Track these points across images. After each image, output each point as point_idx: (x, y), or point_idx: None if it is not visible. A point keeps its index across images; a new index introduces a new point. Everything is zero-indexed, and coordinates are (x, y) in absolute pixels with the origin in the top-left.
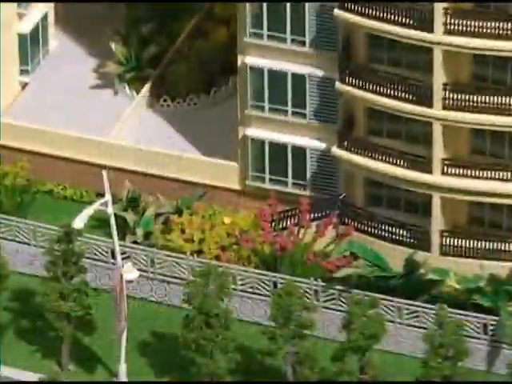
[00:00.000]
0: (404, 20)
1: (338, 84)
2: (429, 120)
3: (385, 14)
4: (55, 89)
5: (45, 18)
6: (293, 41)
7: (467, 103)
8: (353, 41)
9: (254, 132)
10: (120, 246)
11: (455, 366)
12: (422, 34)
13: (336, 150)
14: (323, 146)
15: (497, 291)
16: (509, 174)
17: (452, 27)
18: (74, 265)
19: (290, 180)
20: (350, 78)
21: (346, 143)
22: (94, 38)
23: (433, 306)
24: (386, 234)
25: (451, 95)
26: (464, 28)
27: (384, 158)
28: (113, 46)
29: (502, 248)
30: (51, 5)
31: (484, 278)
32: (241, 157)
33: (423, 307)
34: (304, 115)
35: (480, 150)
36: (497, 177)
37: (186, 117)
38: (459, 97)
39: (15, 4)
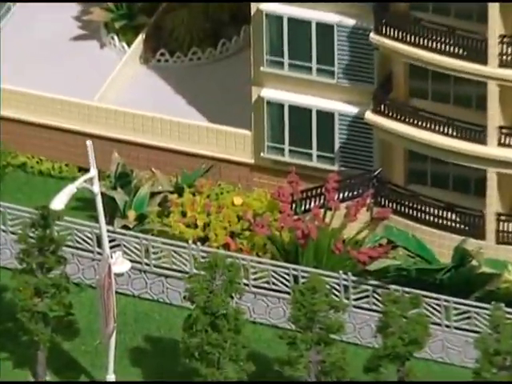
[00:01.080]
0: None
1: (372, 35)
2: (483, 80)
3: None
4: (29, 41)
5: None
6: None
7: None
8: None
9: (270, 93)
10: (108, 231)
11: None
12: None
13: (370, 116)
14: (355, 110)
15: None
16: None
17: None
18: (51, 255)
19: (314, 152)
20: (388, 29)
21: (382, 107)
22: None
23: (487, 306)
24: (431, 218)
25: (510, 50)
26: None
27: (428, 125)
28: None
29: None
30: None
31: None
32: (255, 123)
33: (475, 307)
34: (332, 73)
35: None
36: None
37: (188, 75)
38: None
39: None
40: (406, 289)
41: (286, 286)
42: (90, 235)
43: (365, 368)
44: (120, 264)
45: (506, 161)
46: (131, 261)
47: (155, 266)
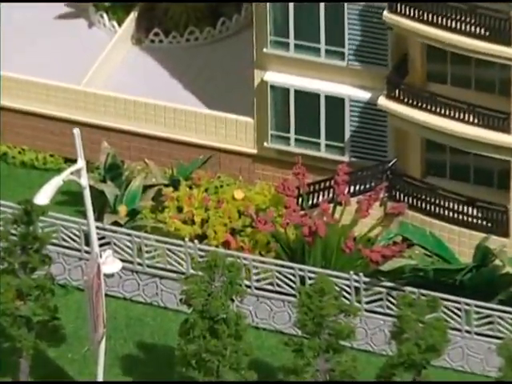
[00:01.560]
0: None
1: (386, 14)
2: (507, 62)
3: None
4: (11, 20)
5: None
6: None
7: None
8: None
9: (275, 77)
10: (96, 228)
11: None
12: None
13: (384, 102)
14: (367, 95)
15: None
16: None
17: None
18: (35, 253)
19: (322, 141)
20: (403, 6)
21: (397, 92)
22: None
23: (511, 309)
24: (451, 214)
25: None
26: None
27: (447, 112)
28: None
29: None
30: None
31: None
32: (257, 110)
33: (499, 310)
34: (342, 55)
35: None
36: None
37: (185, 56)
38: None
39: None
40: (423, 291)
41: (292, 287)
42: (77, 232)
43: (377, 377)
44: (110, 264)
45: None
46: (122, 260)
47: (148, 266)
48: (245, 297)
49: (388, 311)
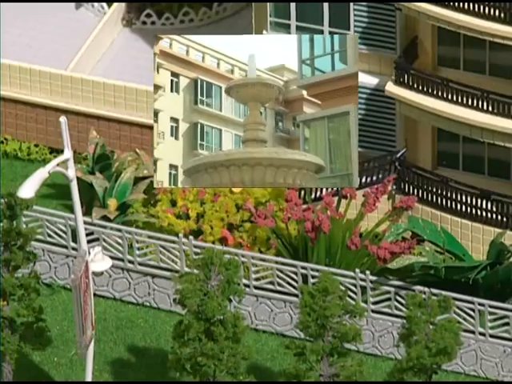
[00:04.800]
0: None
1: None
2: None
3: None
4: None
5: None
6: None
7: None
8: None
9: None
10: (84, 223)
11: None
12: None
13: (392, 88)
14: (374, 81)
15: None
16: None
17: None
18: (19, 250)
19: None
20: None
21: (406, 78)
22: None
23: None
24: (463, 208)
25: None
26: None
27: (460, 98)
28: None
29: None
30: None
31: None
32: None
33: None
34: None
35: None
36: None
37: None
38: None
39: None
40: (434, 290)
41: (294, 287)
42: (63, 228)
43: (385, 383)
44: (99, 261)
45: None
46: (112, 258)
47: (140, 264)
48: (243, 297)
49: (396, 312)
